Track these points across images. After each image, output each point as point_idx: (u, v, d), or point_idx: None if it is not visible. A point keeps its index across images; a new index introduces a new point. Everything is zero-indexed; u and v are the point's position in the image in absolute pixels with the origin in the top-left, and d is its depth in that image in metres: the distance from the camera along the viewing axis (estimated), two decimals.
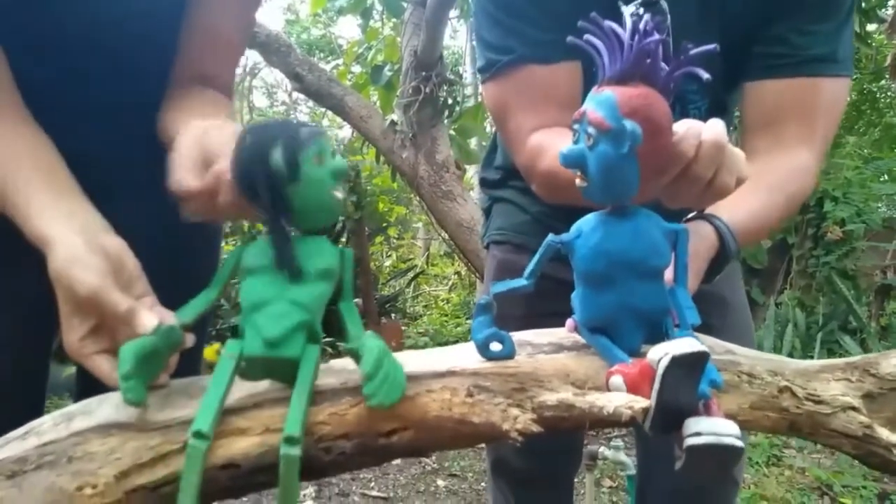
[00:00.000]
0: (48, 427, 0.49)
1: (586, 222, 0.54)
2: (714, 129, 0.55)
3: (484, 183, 1.15)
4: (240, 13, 0.78)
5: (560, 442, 1.10)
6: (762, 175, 0.77)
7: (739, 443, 0.45)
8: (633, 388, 0.47)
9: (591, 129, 0.49)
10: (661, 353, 0.45)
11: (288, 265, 0.50)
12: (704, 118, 0.55)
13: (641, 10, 0.77)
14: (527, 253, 0.98)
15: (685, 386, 0.46)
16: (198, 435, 0.45)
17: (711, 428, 0.45)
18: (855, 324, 3.95)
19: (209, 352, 0.58)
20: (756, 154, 0.81)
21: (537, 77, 0.82)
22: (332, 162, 0.50)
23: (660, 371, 0.44)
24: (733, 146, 0.57)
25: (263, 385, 0.51)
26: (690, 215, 0.73)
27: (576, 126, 0.51)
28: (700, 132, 0.55)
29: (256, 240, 0.52)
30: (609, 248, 0.52)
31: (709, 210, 0.71)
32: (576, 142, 0.52)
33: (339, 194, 0.51)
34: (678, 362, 0.44)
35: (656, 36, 0.48)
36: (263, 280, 0.50)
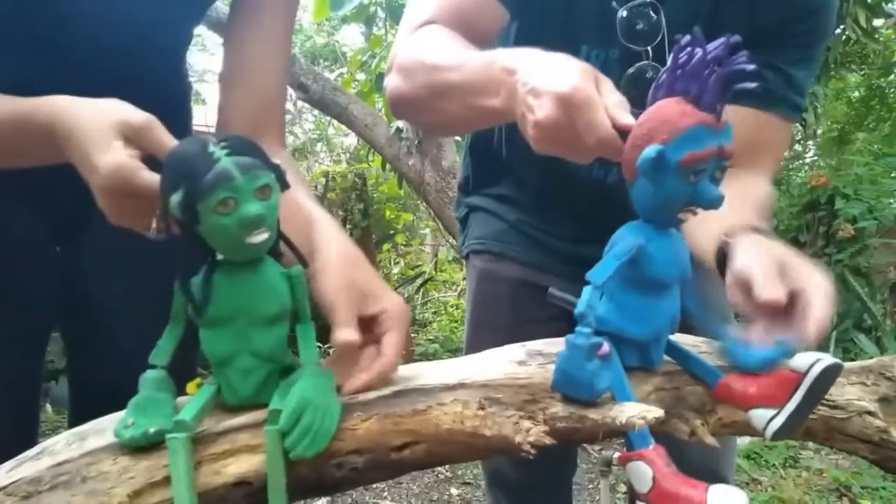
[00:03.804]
0: (61, 447, 0.49)
1: (643, 229, 0.52)
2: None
3: (461, 188, 1.12)
4: (278, 63, 0.81)
5: (554, 449, 1.08)
6: (744, 196, 0.74)
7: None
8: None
9: (725, 164, 0.48)
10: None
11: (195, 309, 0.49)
12: None
13: (624, 13, 0.77)
14: (507, 261, 0.97)
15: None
16: (179, 423, 0.47)
17: (821, 355, 0.50)
18: (870, 322, 3.90)
19: (190, 386, 0.60)
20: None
21: None
22: (242, 210, 0.45)
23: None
24: None
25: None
26: (749, 231, 0.69)
27: (703, 167, 0.47)
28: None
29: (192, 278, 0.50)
30: (680, 256, 0.53)
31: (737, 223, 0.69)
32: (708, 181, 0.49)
33: (257, 238, 0.47)
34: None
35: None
36: (222, 332, 0.50)
